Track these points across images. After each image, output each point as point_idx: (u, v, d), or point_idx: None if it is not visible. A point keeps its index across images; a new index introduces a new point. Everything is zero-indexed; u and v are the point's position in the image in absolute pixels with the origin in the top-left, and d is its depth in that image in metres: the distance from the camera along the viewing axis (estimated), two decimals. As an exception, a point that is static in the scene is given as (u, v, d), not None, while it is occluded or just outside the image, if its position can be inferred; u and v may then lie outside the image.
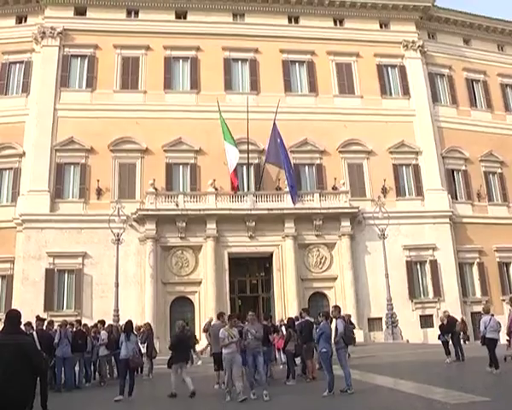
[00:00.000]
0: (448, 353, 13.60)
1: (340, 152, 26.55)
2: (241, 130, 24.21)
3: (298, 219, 24.11)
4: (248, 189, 25.16)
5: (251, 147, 24.95)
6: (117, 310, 20.34)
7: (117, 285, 20.77)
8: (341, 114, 26.67)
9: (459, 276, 25.46)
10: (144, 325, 15.47)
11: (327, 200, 24.65)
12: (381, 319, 23.46)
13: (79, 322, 13.20)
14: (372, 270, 24.40)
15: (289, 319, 12.25)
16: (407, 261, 25.17)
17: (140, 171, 24.63)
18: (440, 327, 14.31)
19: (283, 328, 13.38)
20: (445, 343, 13.80)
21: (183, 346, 9.96)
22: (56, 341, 11.10)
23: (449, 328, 13.85)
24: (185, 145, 25.35)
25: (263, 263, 25.20)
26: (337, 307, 9.79)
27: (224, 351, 8.94)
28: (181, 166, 25.18)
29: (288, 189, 24.13)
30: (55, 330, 11.63)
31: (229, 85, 26.72)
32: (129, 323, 10.20)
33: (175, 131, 24.99)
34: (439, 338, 14.13)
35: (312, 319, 11.94)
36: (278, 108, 24.68)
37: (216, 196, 23.85)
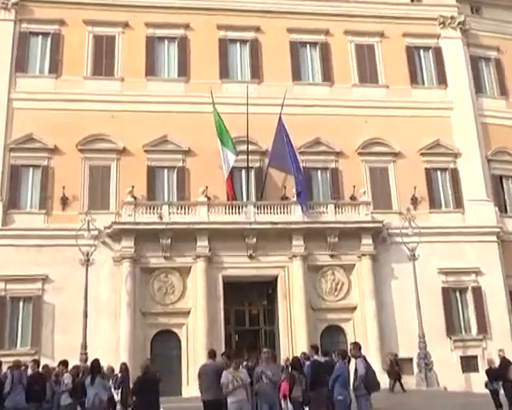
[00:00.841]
0: (499, 406, 13.26)
1: (361, 154, 26.66)
2: (240, 126, 24.33)
3: (308, 235, 24.21)
4: (248, 198, 25.17)
5: (251, 147, 25.09)
6: (85, 347, 20.07)
7: (85, 316, 20.54)
8: (362, 107, 26.77)
9: (511, 307, 25.30)
10: (120, 365, 15.38)
11: (344, 212, 24.80)
12: (411, 359, 23.21)
13: (37, 363, 12.69)
14: (400, 298, 24.29)
15: (294, 358, 12.16)
16: (444, 288, 25.06)
17: (115, 176, 24.70)
18: (488, 372, 14.02)
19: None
20: (495, 393, 13.46)
21: (147, 392, 9.51)
22: (7, 388, 10.78)
23: (499, 373, 13.34)
24: (171, 145, 25.48)
25: (265, 289, 25.26)
26: (357, 345, 9.66)
27: (229, 400, 8.72)
28: (166, 171, 25.30)
29: (295, 198, 24.31)
30: (5, 374, 11.33)
31: (225, 72, 26.87)
32: (95, 362, 10.17)
33: (159, 128, 25.08)
34: (486, 386, 13.91)
35: (323, 359, 11.77)
36: (285, 100, 24.71)
37: (208, 207, 23.96)
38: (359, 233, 24.63)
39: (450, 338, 24.52)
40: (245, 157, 24.62)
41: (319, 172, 26.41)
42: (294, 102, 25.75)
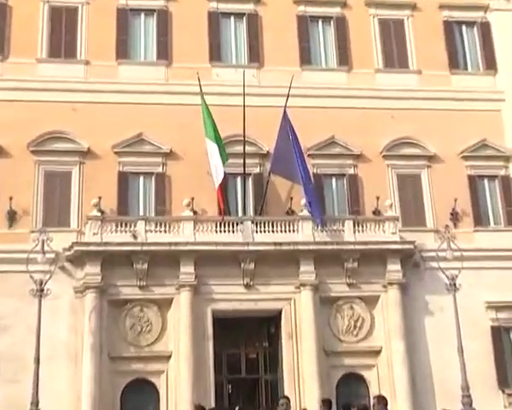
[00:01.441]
0: None
1: (386, 157, 26.59)
2: (235, 122, 24.45)
3: (320, 258, 24.11)
4: (245, 212, 25.11)
5: (249, 148, 25.16)
6: (36, 403, 19.44)
7: (38, 362, 19.94)
8: (388, 98, 26.74)
9: None
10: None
11: (365, 230, 24.75)
12: (452, 417, 23.53)
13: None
14: (437, 340, 24.02)
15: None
16: (493, 328, 24.64)
17: (78, 184, 24.69)
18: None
19: None
20: None
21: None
22: None
23: None
24: (149, 145, 25.54)
25: (266, 327, 25.16)
26: (382, 399, 9.68)
27: None
28: (142, 178, 25.43)
29: (305, 211, 24.35)
30: None
31: (216, 54, 26.93)
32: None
33: (133, 124, 25.14)
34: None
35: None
36: (291, 89, 24.75)
37: (195, 224, 23.96)
38: (385, 257, 24.51)
39: (504, 392, 24.05)
40: (241, 161, 24.54)
41: (334, 179, 26.43)
42: (303, 91, 25.81)
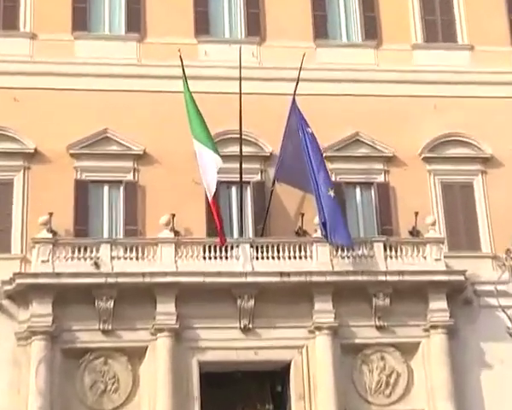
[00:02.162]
0: None
1: (427, 160, 26.67)
2: (229, 115, 24.76)
3: (341, 293, 24.04)
4: (242, 233, 25.09)
5: (248, 149, 25.36)
6: None
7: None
8: (429, 83, 26.83)
9: None
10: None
11: (400, 256, 24.67)
12: None
13: None
14: (496, 400, 23.80)
15: None
16: None
17: (22, 196, 24.70)
18: None
19: None
20: None
21: None
22: None
23: None
24: (116, 145, 25.62)
25: (270, 384, 24.99)
26: None
27: None
28: (106, 188, 25.53)
29: (319, 231, 24.04)
30: None
31: (203, 26, 27.11)
32: None
33: (95, 118, 25.22)
34: None
35: None
36: (302, 71, 24.64)
37: (176, 248, 23.92)
38: (426, 291, 24.35)
39: None
40: (236, 165, 24.51)
41: (358, 189, 26.58)
42: (318, 74, 26.03)
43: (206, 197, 24.15)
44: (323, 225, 23.82)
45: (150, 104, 25.37)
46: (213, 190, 23.69)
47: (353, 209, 26.30)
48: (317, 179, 24.04)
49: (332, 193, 24.06)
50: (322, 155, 24.67)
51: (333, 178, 25.51)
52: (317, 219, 24.31)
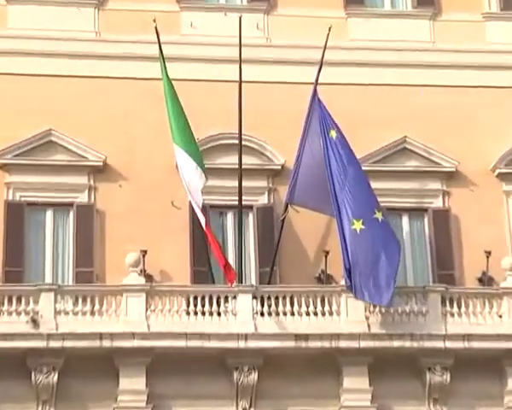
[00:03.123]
0: None
1: (503, 177, 26.98)
2: (224, 113, 25.30)
3: (380, 365, 23.79)
4: (241, 278, 24.94)
5: (250, 160, 25.77)
6: None
7: None
8: (506, 68, 27.38)
9: None
10: None
11: (465, 314, 24.45)
12: None
13: None
14: None
15: None
16: None
17: None
18: None
19: None
20: None
21: None
22: None
23: None
24: (63, 153, 25.96)
25: None
26: None
27: None
28: (50, 213, 25.72)
29: (344, 280, 23.83)
30: None
31: None
32: None
33: (34, 115, 25.40)
34: None
35: None
36: (327, 50, 24.96)
37: (148, 299, 23.83)
38: (501, 363, 24.11)
39: None
40: (234, 183, 24.86)
41: (405, 218, 26.96)
42: (349, 55, 26.74)
43: (192, 227, 24.62)
44: (348, 271, 23.62)
45: (114, 96, 25.72)
46: (202, 220, 23.78)
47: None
48: (338, 203, 23.99)
49: (381, 216, 24.16)
50: (358, 165, 24.58)
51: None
52: (342, 265, 23.95)
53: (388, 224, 24.63)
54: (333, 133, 24.39)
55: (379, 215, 24.24)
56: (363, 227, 23.93)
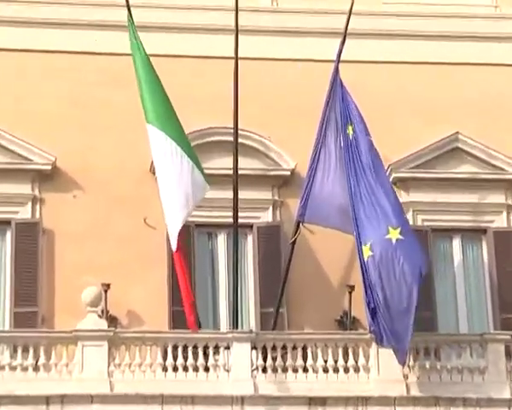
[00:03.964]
0: None
1: None
2: (214, 100, 26.05)
3: None
4: (236, 321, 25.00)
5: (249, 163, 26.21)
6: None
7: None
8: None
9: None
10: None
11: None
12: None
13: None
14: None
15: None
16: None
17: None
18: None
19: None
20: None
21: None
22: None
23: None
24: None
25: None
26: None
27: None
28: None
29: (368, 322, 23.90)
30: None
31: None
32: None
33: None
34: None
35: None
36: (352, 15, 25.32)
37: (111, 349, 23.85)
38: None
39: None
40: (227, 195, 25.01)
41: (457, 241, 27.29)
42: (380, 24, 27.48)
43: (170, 253, 24.57)
44: (373, 311, 23.54)
45: (65, 76, 26.12)
46: (176, 229, 23.94)
47: (448, 278, 26.66)
48: (357, 222, 24.10)
49: (399, 235, 23.92)
50: (384, 174, 24.85)
51: (410, 221, 26.00)
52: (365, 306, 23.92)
53: (410, 243, 24.08)
54: (350, 129, 24.67)
55: (393, 234, 24.03)
56: (370, 253, 23.91)
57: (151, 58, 24.64)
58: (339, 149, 24.84)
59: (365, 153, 24.67)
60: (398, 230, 23.93)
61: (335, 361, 23.65)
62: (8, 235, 25.70)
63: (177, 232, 23.98)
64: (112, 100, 25.87)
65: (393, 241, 23.92)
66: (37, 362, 23.20)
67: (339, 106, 24.93)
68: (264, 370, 23.57)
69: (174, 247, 23.80)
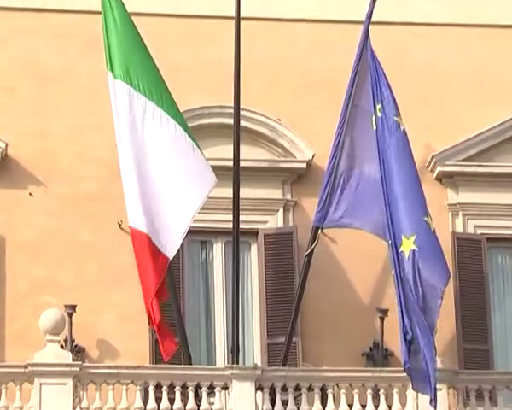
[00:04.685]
0: None
1: None
2: (212, 73, 26.83)
3: None
4: (237, 354, 24.91)
5: (254, 154, 26.89)
6: None
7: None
8: None
9: None
10: None
11: None
12: None
13: None
14: None
15: None
16: None
17: None
18: None
19: None
20: None
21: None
22: None
23: None
24: None
25: None
26: None
27: None
28: None
29: (403, 357, 23.31)
30: None
31: None
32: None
33: None
34: None
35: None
36: None
37: (76, 387, 23.97)
38: None
39: None
40: (226, 194, 25.03)
41: None
42: None
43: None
44: (409, 343, 23.09)
45: (18, 40, 26.19)
46: (176, 246, 23.51)
47: (508, 301, 26.94)
48: (393, 228, 23.89)
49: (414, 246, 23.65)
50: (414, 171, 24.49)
51: (459, 228, 26.48)
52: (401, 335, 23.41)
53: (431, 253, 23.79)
54: (378, 109, 24.68)
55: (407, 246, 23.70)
56: (415, 247, 23.59)
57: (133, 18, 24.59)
58: (370, 133, 24.83)
59: (389, 137, 24.77)
60: (412, 239, 23.76)
61: (363, 406, 23.60)
62: None
63: (183, 235, 23.53)
64: (77, 73, 26.03)
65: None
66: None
67: (369, 78, 24.84)
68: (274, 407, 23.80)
69: (172, 255, 23.35)
